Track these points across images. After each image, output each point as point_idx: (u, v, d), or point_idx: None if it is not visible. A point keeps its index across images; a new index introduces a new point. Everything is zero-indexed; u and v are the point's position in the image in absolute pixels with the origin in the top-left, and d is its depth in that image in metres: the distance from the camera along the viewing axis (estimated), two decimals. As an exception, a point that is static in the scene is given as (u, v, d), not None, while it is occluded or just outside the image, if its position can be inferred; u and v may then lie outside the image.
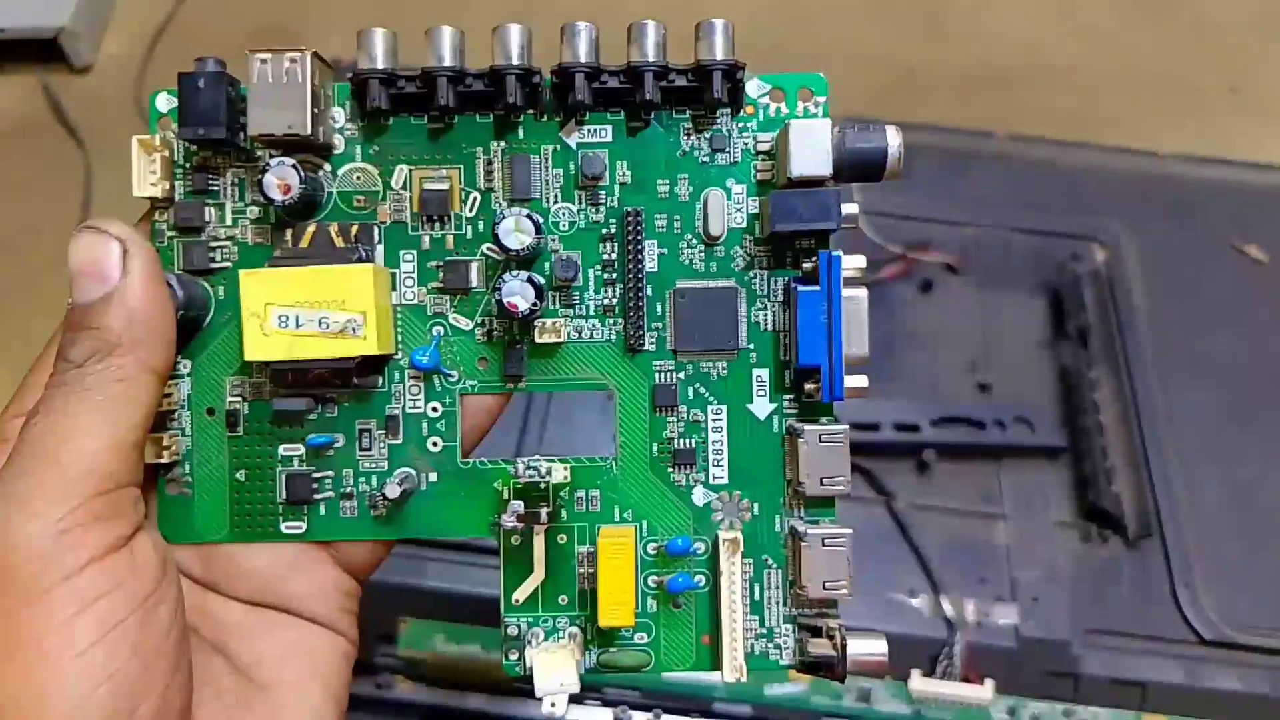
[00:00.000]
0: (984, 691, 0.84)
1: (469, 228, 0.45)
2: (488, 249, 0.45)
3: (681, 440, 0.45)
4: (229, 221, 0.45)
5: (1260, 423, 1.00)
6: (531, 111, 0.44)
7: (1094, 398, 0.99)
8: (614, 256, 0.45)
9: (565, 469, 0.44)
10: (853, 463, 0.95)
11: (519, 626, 0.45)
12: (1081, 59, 1.50)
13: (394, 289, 0.45)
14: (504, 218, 0.42)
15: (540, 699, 0.83)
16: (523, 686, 0.85)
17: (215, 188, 0.44)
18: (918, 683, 0.85)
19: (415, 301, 0.45)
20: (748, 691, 0.86)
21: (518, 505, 0.43)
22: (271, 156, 0.42)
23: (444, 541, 0.88)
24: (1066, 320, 1.05)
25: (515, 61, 0.42)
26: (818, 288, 0.42)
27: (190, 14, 1.56)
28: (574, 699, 0.85)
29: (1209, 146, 1.21)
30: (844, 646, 0.42)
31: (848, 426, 0.43)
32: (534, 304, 0.42)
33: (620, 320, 0.45)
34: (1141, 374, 1.01)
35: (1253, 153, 1.21)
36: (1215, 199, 1.14)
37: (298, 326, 0.41)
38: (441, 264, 0.45)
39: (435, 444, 0.45)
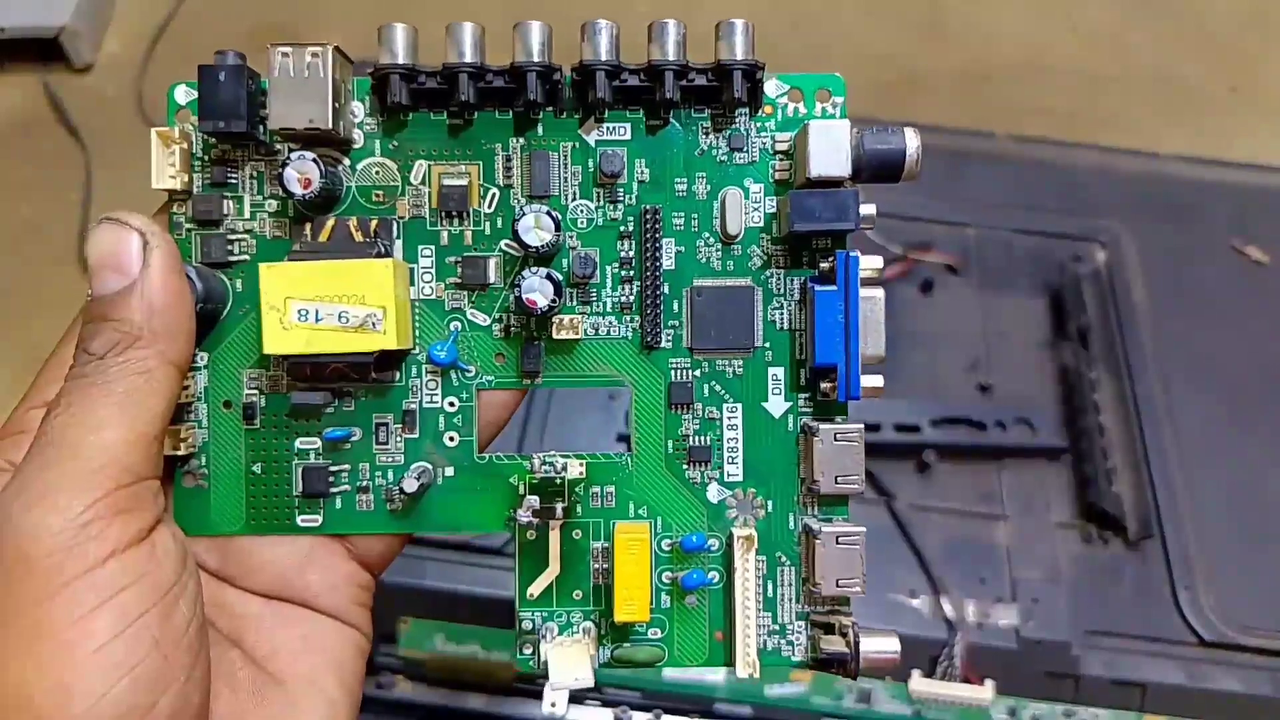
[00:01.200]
0: (984, 692, 0.85)
1: (488, 224, 0.45)
2: (506, 245, 0.45)
3: (697, 437, 0.45)
4: (247, 215, 0.45)
5: (1260, 423, 1.00)
6: (551, 109, 0.45)
7: (1095, 398, 1.00)
8: (632, 254, 0.45)
9: (581, 465, 0.44)
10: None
11: (533, 621, 0.45)
12: (1081, 59, 1.51)
13: (412, 284, 0.45)
14: (524, 214, 0.42)
15: (540, 699, 0.84)
16: (523, 686, 0.86)
17: (234, 181, 0.45)
18: (918, 683, 0.85)
19: (433, 297, 0.45)
20: (748, 692, 0.87)
21: (533, 500, 0.43)
22: (291, 150, 0.42)
23: (445, 541, 0.89)
24: (1067, 321, 1.05)
25: (536, 58, 0.42)
26: (835, 287, 0.42)
27: (190, 13, 1.56)
28: (574, 699, 0.85)
29: (1209, 146, 1.22)
30: (857, 643, 0.42)
31: (862, 426, 0.43)
32: (553, 300, 0.42)
33: (637, 317, 0.45)
34: (1142, 374, 1.01)
35: (1252, 153, 1.21)
36: (1215, 199, 1.15)
37: (317, 320, 0.41)
38: (460, 260, 0.45)
39: (452, 439, 0.45)
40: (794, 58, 1.42)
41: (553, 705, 0.83)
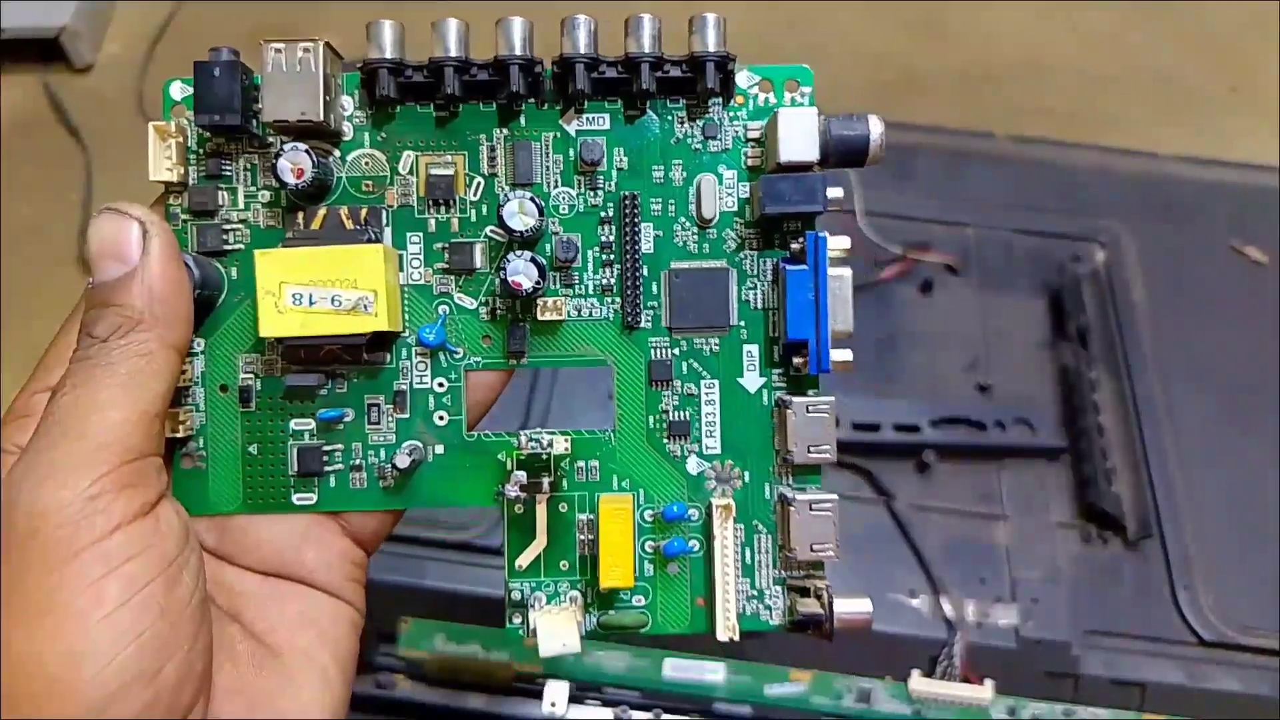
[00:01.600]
0: (984, 692, 0.85)
1: (473, 211, 0.47)
2: (491, 231, 0.47)
3: (676, 413, 0.47)
4: (241, 205, 0.46)
5: (1260, 423, 1.00)
6: (533, 100, 0.46)
7: (1094, 398, 1.00)
8: (612, 238, 0.47)
9: (566, 441, 0.46)
10: (853, 463, 0.96)
11: (522, 591, 0.46)
12: (1081, 59, 1.51)
13: (401, 269, 0.46)
14: (508, 201, 0.44)
15: (540, 699, 0.84)
16: (523, 686, 0.86)
17: (228, 172, 0.46)
18: (918, 683, 0.86)
19: (422, 281, 0.47)
20: (748, 691, 0.87)
21: (521, 475, 0.45)
22: (284, 143, 0.44)
23: (445, 541, 0.90)
24: (1066, 321, 1.06)
25: (518, 52, 0.44)
26: (805, 267, 0.44)
27: (190, 14, 1.58)
28: (574, 699, 0.86)
29: (1209, 146, 1.22)
30: (831, 604, 0.43)
31: (834, 398, 0.45)
32: (537, 283, 0.44)
33: (618, 299, 0.47)
34: (1141, 374, 1.02)
35: (1252, 153, 1.22)
36: (1215, 199, 1.15)
37: (311, 304, 0.43)
38: (447, 246, 0.47)
39: (441, 418, 0.47)
40: (792, 58, 1.43)
41: (553, 705, 0.84)
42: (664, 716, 0.86)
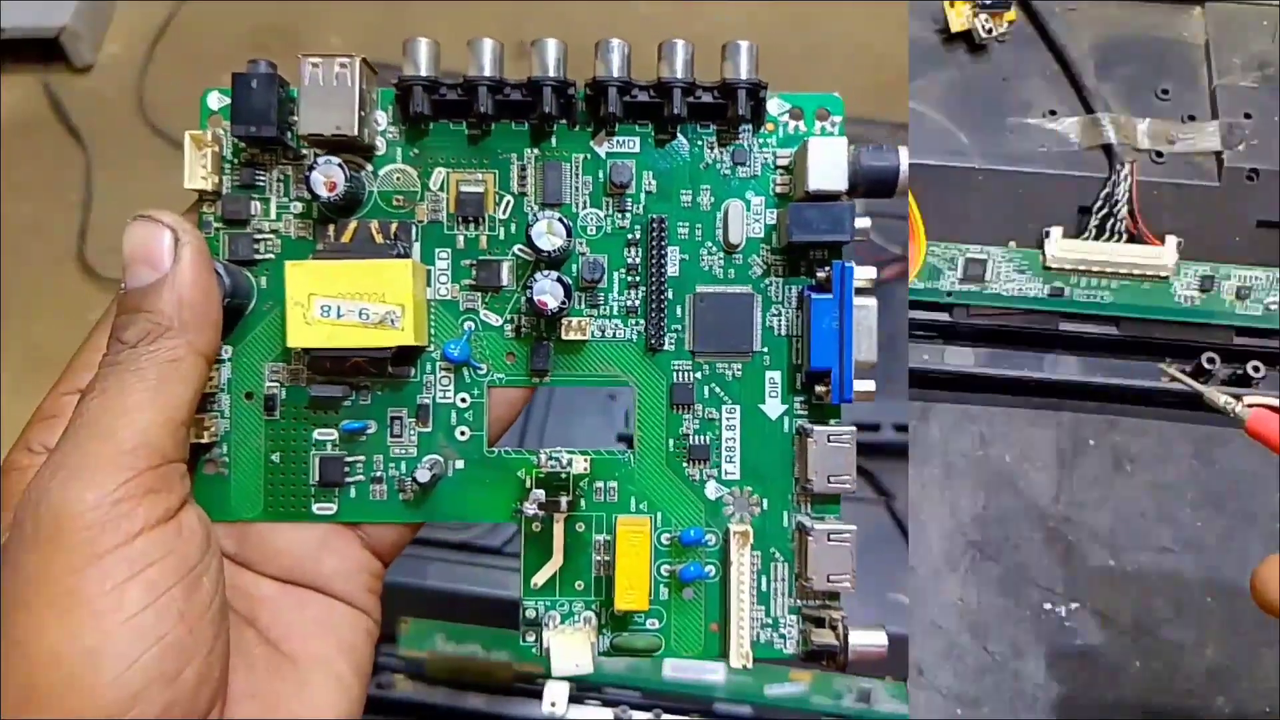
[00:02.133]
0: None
1: (502, 229, 0.47)
2: (519, 250, 0.47)
3: (696, 437, 0.47)
4: (273, 216, 0.47)
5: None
6: (565, 121, 0.47)
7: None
8: (638, 260, 0.47)
9: (586, 460, 0.46)
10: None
11: (537, 610, 0.47)
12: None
13: (429, 285, 0.47)
14: (537, 220, 0.44)
15: (540, 699, 0.85)
16: (523, 686, 0.87)
17: (262, 183, 0.47)
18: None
19: (449, 297, 0.47)
20: (748, 691, 0.87)
21: (539, 494, 0.45)
22: (317, 155, 0.44)
23: (446, 541, 0.90)
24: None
25: (552, 74, 0.45)
26: (830, 296, 0.44)
27: (190, 14, 1.57)
28: (574, 699, 0.86)
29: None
30: (846, 636, 0.44)
31: (855, 428, 0.45)
32: (563, 302, 0.44)
33: (642, 321, 0.47)
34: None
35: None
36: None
37: (339, 316, 0.43)
38: (475, 262, 0.47)
39: (463, 433, 0.47)
40: (793, 57, 1.42)
41: (553, 705, 0.84)
42: (664, 716, 0.86)
